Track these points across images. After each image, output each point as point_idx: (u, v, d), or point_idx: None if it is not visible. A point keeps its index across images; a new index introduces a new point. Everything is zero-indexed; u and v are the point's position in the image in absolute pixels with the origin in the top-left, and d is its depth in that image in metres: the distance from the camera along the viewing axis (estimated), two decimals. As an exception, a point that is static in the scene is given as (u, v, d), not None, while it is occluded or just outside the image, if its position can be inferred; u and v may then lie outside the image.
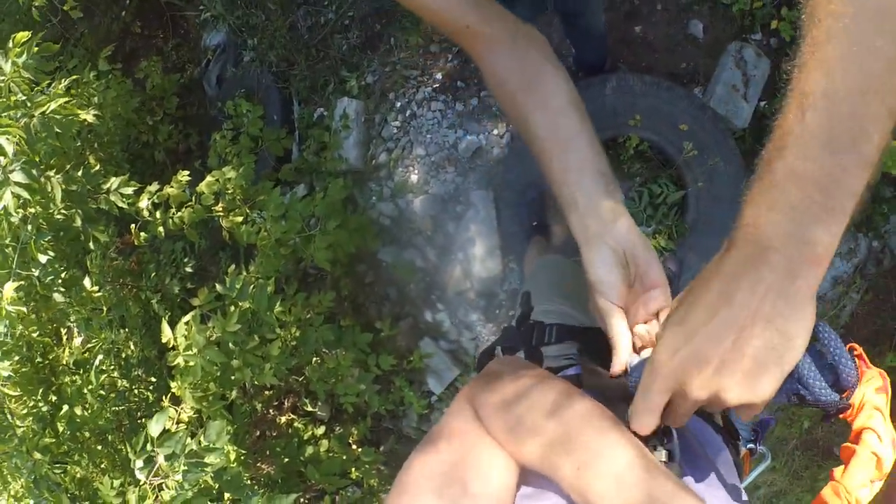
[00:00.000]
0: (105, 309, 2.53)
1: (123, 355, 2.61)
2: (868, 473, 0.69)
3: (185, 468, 1.90)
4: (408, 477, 0.79)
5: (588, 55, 2.77)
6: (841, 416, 0.77)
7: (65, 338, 2.57)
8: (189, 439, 1.91)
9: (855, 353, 0.79)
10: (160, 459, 1.90)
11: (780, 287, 0.64)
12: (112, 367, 2.54)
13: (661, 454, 0.80)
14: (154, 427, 1.89)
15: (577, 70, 2.94)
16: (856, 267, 2.78)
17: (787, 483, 2.79)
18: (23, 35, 2.04)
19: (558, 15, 2.41)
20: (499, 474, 0.80)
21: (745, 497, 0.94)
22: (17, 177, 2.01)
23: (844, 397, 0.76)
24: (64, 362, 2.39)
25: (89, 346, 2.54)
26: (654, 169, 2.88)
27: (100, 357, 2.45)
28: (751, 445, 1.16)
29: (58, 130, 2.13)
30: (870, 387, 0.76)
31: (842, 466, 0.73)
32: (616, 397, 0.89)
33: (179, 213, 2.52)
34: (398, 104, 3.10)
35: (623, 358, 0.90)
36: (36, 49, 2.08)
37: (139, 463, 1.93)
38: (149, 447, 1.89)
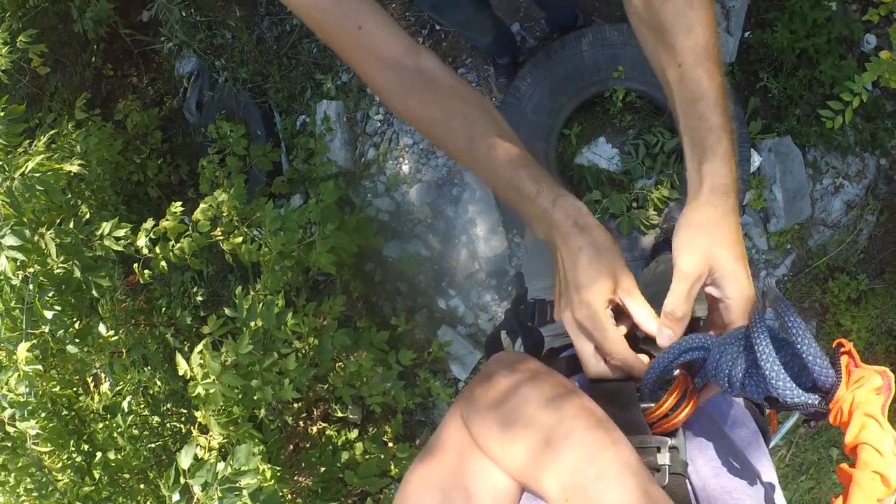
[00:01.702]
0: (124, 351, 2.58)
1: (151, 392, 2.66)
2: (874, 495, 0.60)
3: (221, 495, 1.93)
4: (409, 490, 0.78)
5: (556, 14, 2.69)
6: (832, 421, 0.69)
7: (92, 385, 2.63)
8: (221, 464, 1.93)
9: (843, 350, 0.71)
10: (196, 490, 1.93)
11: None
12: (142, 405, 2.59)
13: (665, 457, 0.77)
14: (184, 459, 1.93)
15: (550, 30, 2.86)
16: (867, 188, 2.66)
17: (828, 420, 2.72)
18: (-13, 102, 2.07)
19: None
20: (499, 483, 0.78)
21: (766, 478, 0.89)
22: (10, 240, 2.05)
23: (825, 399, 0.69)
24: (94, 409, 2.45)
25: (117, 389, 2.60)
26: (646, 118, 2.79)
27: (128, 398, 2.50)
28: (804, 414, 1.10)
29: (40, 188, 2.15)
30: (863, 388, 0.67)
31: (841, 497, 0.63)
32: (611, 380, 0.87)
33: (179, 245, 2.53)
34: (377, 98, 3.06)
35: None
36: (2, 113, 2.10)
37: (175, 496, 1.96)
38: (182, 479, 1.92)
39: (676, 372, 0.83)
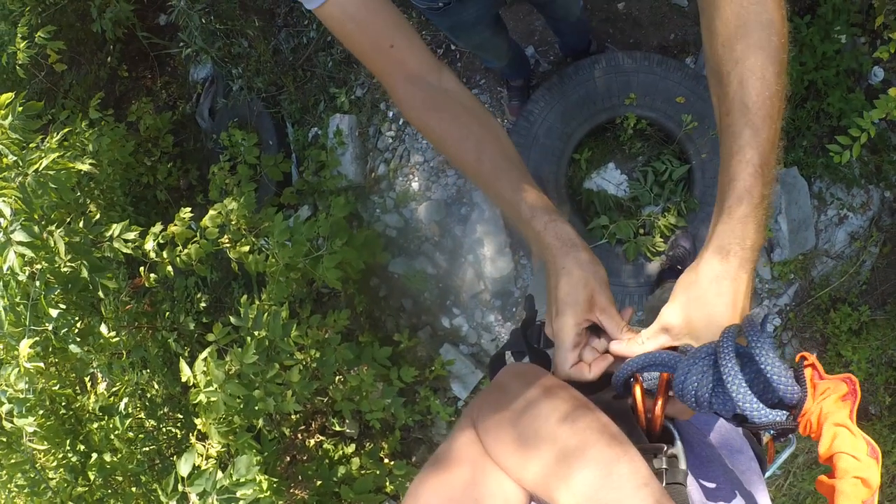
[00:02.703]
0: (125, 353, 2.56)
1: (148, 396, 2.64)
2: (858, 498, 0.62)
3: (218, 504, 1.91)
4: (421, 501, 0.78)
5: (571, 40, 2.73)
6: (802, 433, 0.71)
7: (89, 385, 2.60)
8: (220, 474, 1.92)
9: (806, 362, 0.72)
10: (193, 498, 1.91)
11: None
12: (138, 408, 2.57)
13: (662, 461, 0.79)
14: (183, 467, 1.90)
15: (564, 55, 2.90)
16: (871, 220, 2.69)
17: (827, 450, 2.72)
18: (7, 96, 2.07)
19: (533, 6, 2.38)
20: (510, 497, 0.78)
21: (761, 501, 0.91)
22: (19, 236, 2.03)
23: (793, 414, 0.70)
24: (90, 409, 2.42)
25: (114, 390, 2.57)
26: (656, 146, 2.83)
27: (125, 400, 2.48)
28: (773, 431, 1.12)
29: (53, 185, 2.14)
30: (829, 398, 0.68)
31: None
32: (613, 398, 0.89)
33: (186, 250, 2.52)
34: (390, 114, 3.08)
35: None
36: (20, 109, 2.10)
37: (172, 503, 1.94)
38: (180, 487, 1.90)
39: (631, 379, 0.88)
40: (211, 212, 2.59)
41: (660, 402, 0.84)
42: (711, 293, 0.83)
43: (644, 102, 2.71)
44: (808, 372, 0.71)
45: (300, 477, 2.69)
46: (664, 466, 0.79)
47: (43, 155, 2.15)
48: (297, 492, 2.72)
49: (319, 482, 2.63)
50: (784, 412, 0.70)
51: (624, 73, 2.70)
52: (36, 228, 2.06)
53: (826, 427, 0.66)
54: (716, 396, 0.75)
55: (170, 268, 2.48)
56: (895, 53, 2.18)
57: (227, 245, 2.63)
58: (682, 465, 0.80)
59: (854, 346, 2.66)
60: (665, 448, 0.80)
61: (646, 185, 2.80)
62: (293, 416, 2.96)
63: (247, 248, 2.60)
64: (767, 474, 1.02)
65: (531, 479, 0.76)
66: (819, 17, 2.59)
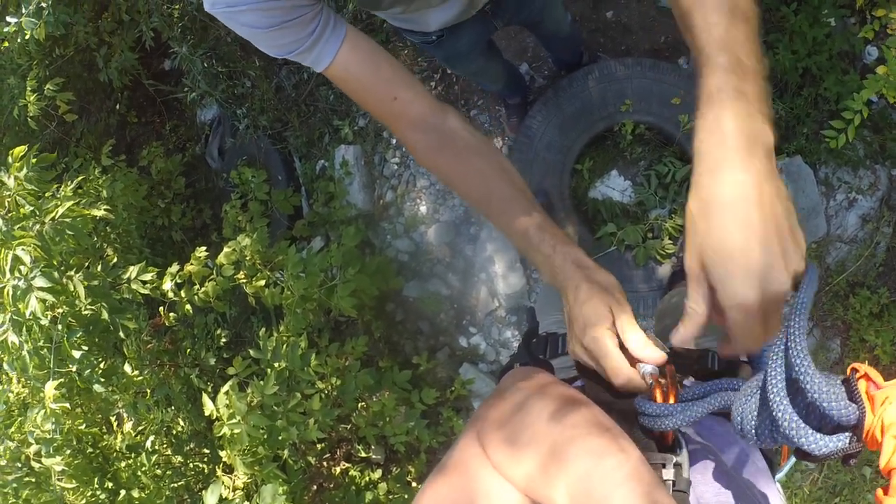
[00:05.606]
0: (149, 391, 2.60)
1: (174, 432, 2.67)
2: None
3: (246, 534, 1.92)
4: None
5: (563, 54, 2.77)
6: (869, 448, 0.65)
7: (115, 424, 2.65)
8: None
9: (858, 375, 0.66)
10: (221, 530, 1.92)
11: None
12: (164, 445, 2.60)
13: (669, 472, 0.78)
14: (210, 498, 1.92)
15: (558, 69, 2.95)
16: (881, 200, 2.65)
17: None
18: (20, 149, 2.15)
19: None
20: (508, 497, 0.77)
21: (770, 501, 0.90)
22: (40, 282, 2.09)
23: (856, 434, 0.65)
24: (117, 448, 2.46)
25: (140, 428, 2.61)
26: (656, 149, 2.84)
27: (151, 438, 2.51)
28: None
29: (70, 232, 2.21)
30: (891, 406, 0.62)
31: None
32: (613, 404, 0.89)
33: (203, 288, 2.57)
34: (393, 141, 3.14)
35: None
36: (34, 160, 2.18)
37: (201, 536, 1.95)
38: (207, 520, 1.92)
39: (650, 381, 0.85)
40: (226, 249, 2.64)
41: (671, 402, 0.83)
42: (742, 211, 0.68)
43: (640, 108, 2.74)
44: (861, 384, 0.65)
45: (328, 505, 2.69)
46: (672, 479, 0.78)
47: (59, 203, 2.22)
48: (325, 520, 2.72)
49: (348, 509, 2.63)
50: (845, 435, 0.65)
51: (617, 80, 2.74)
52: (56, 274, 2.12)
53: (887, 440, 0.61)
54: (776, 431, 0.70)
55: (188, 306, 2.53)
56: (879, 31, 2.18)
57: (244, 280, 2.67)
58: (686, 473, 0.79)
59: (877, 330, 2.61)
60: (672, 459, 0.79)
61: (650, 188, 2.81)
62: (318, 445, 2.96)
63: (263, 283, 2.64)
64: (778, 476, 1.00)
65: (524, 480, 0.75)
66: (806, 3, 2.59)
